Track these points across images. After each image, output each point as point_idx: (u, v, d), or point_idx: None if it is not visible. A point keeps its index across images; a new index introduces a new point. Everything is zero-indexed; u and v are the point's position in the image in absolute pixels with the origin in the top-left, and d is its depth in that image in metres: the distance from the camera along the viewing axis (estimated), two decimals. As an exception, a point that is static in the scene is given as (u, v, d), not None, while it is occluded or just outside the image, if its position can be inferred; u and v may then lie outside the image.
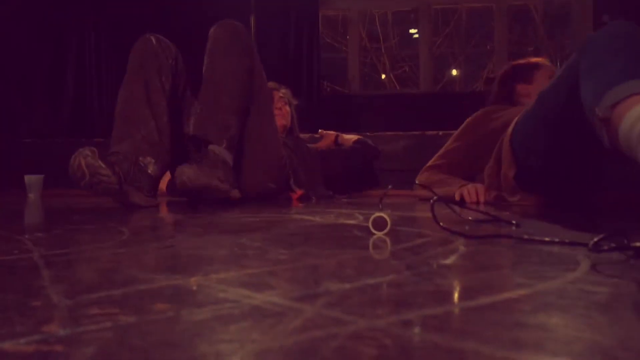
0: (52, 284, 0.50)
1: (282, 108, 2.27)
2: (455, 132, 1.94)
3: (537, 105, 1.40)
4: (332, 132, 2.44)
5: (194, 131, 1.69)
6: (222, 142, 1.66)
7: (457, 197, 1.74)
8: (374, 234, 0.85)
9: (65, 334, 0.35)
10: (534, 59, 1.93)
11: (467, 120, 1.92)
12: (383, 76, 5.17)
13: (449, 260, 0.62)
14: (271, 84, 2.27)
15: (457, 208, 1.17)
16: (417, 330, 0.35)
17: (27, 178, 2.26)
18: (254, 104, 1.80)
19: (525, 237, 0.77)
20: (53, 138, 2.92)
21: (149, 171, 1.64)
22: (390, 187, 1.25)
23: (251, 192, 1.83)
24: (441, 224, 0.87)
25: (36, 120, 3.48)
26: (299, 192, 1.95)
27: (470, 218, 1.07)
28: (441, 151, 1.96)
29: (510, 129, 1.58)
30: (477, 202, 1.69)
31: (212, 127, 1.68)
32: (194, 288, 0.48)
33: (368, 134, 2.41)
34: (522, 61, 1.93)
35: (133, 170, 1.60)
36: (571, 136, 1.26)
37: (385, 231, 0.85)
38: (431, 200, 0.92)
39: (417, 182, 1.93)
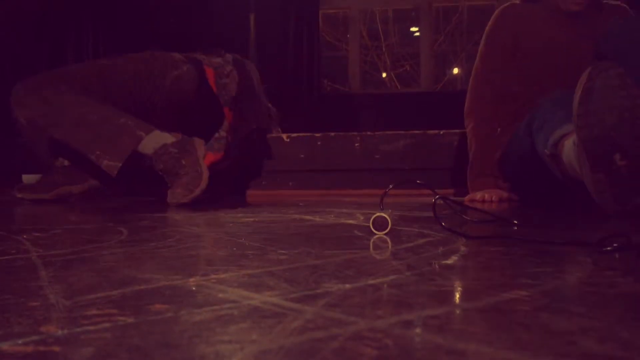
0: (50, 284, 0.50)
1: None
2: (482, 45, 1.90)
3: (510, 144, 1.69)
4: None
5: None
6: (151, 150, 1.68)
7: (466, 199, 1.75)
8: (374, 233, 0.85)
9: (63, 335, 0.34)
10: None
11: (489, 26, 1.88)
12: (384, 75, 5.17)
13: (450, 261, 0.62)
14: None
15: (458, 208, 1.17)
16: (418, 331, 0.35)
17: (25, 178, 2.26)
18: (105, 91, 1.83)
19: (527, 237, 0.76)
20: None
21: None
22: (391, 186, 1.25)
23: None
24: (443, 224, 0.87)
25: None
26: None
27: (471, 218, 1.07)
28: (478, 65, 1.90)
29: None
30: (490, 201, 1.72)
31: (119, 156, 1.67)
32: (193, 288, 0.48)
33: (369, 133, 2.41)
34: None
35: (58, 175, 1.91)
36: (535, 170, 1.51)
37: (386, 231, 0.85)
38: (433, 200, 0.91)
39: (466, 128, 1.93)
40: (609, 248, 0.62)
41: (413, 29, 4.88)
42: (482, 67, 1.89)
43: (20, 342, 0.33)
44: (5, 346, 0.32)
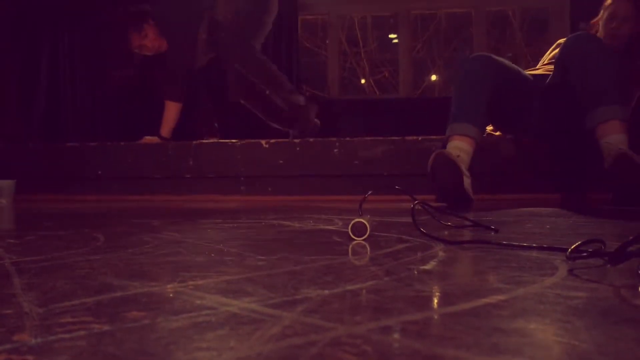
0: (23, 291, 0.49)
1: None
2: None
3: None
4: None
5: None
6: None
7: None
8: (353, 239, 0.85)
9: (37, 343, 0.34)
10: None
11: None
12: (363, 81, 5.19)
13: (428, 266, 0.62)
14: None
15: (437, 214, 1.17)
16: (396, 336, 0.35)
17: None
18: None
19: (504, 242, 0.77)
20: (25, 142, 2.87)
21: None
22: (370, 192, 1.25)
23: None
24: (421, 229, 0.87)
25: (8, 124, 3.42)
26: None
27: (450, 224, 1.08)
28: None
29: None
30: None
31: None
32: (171, 295, 0.47)
33: (348, 138, 2.41)
34: None
35: None
36: None
37: (365, 237, 0.85)
38: (411, 206, 0.92)
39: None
40: (583, 254, 0.63)
41: (391, 35, 4.91)
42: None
43: (-8, 351, 0.32)
44: (-23, 355, 0.32)
